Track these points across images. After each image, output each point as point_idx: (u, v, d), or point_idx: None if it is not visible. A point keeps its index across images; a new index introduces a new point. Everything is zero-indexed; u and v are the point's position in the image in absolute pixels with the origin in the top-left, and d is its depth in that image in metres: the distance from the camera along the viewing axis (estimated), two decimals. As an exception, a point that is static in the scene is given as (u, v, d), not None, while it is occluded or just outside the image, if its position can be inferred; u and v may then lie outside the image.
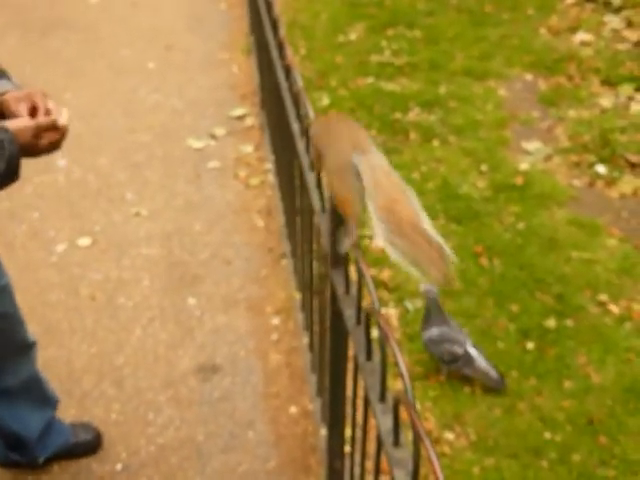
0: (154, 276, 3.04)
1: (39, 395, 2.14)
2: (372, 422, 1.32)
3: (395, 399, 1.14)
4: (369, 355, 1.38)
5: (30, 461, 2.21)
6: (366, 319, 1.37)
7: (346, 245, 1.42)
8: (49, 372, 2.22)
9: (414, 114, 4.10)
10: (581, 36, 4.92)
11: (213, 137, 3.99)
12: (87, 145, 3.92)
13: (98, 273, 3.05)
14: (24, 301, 2.00)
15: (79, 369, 2.60)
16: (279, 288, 2.97)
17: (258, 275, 3.05)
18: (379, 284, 2.88)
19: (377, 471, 1.35)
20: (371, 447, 1.43)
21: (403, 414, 1.14)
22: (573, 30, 5.02)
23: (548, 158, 3.76)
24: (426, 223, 1.24)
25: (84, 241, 3.23)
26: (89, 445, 2.30)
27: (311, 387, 2.39)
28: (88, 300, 2.91)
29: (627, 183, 3.52)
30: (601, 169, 3.63)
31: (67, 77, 4.57)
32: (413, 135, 3.91)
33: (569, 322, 2.75)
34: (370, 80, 4.46)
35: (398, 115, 4.07)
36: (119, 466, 2.28)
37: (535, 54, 4.73)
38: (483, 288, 2.90)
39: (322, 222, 1.80)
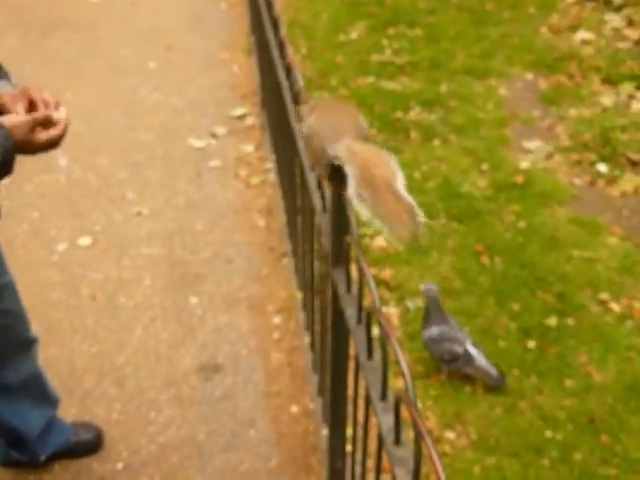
0: (155, 275, 3.04)
1: (40, 392, 2.15)
2: (373, 421, 1.32)
3: (396, 398, 1.14)
4: (370, 354, 1.38)
5: (31, 459, 2.22)
6: (367, 318, 1.37)
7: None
8: (50, 371, 2.22)
9: (415, 113, 4.10)
10: (582, 35, 4.92)
11: (214, 136, 3.99)
12: (88, 145, 3.92)
13: (99, 273, 3.05)
14: (25, 300, 2.00)
15: (80, 368, 2.61)
16: (280, 287, 2.97)
17: (259, 274, 3.05)
18: (380, 283, 2.88)
19: (378, 470, 1.35)
20: (372, 446, 1.43)
21: (404, 413, 1.14)
22: (574, 29, 5.02)
23: (549, 157, 3.75)
24: (400, 185, 1.25)
25: (85, 240, 3.23)
26: (90, 444, 2.30)
27: (312, 386, 2.39)
28: (89, 299, 2.91)
29: (628, 181, 3.52)
30: (602, 168, 3.63)
31: (67, 77, 4.57)
32: (414, 134, 3.90)
33: (570, 321, 2.75)
34: (371, 79, 4.46)
35: (399, 114, 4.07)
36: (120, 465, 2.28)
37: (536, 53, 4.73)
38: (484, 287, 2.90)
39: (323, 221, 1.80)
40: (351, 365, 1.64)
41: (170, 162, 3.79)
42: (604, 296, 2.86)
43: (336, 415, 1.93)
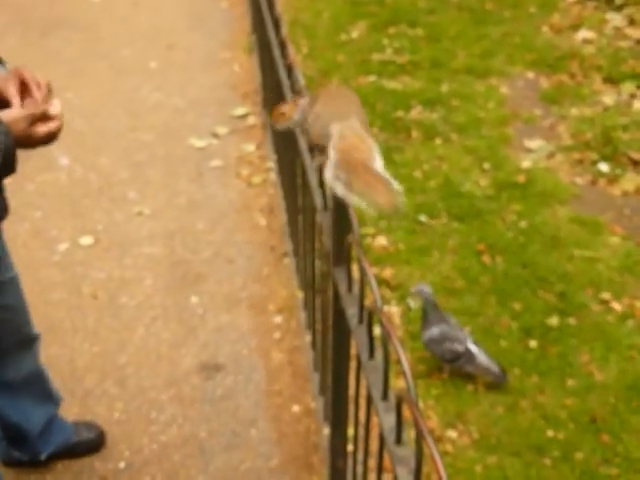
0: (156, 275, 3.04)
1: (41, 390, 2.15)
2: (374, 420, 1.32)
3: (398, 397, 1.14)
4: (371, 353, 1.38)
5: (32, 457, 2.22)
6: (368, 317, 1.37)
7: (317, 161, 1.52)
8: (51, 371, 2.22)
9: (416, 112, 4.10)
10: (583, 34, 4.91)
11: (215, 136, 3.99)
12: (89, 144, 3.92)
13: (100, 272, 3.06)
14: (26, 300, 2.01)
15: (81, 368, 2.61)
16: (281, 287, 2.97)
17: (260, 274, 3.05)
18: (381, 282, 2.88)
19: (380, 469, 1.35)
20: (374, 445, 1.44)
21: (405, 412, 1.14)
22: (575, 28, 5.01)
23: (550, 156, 3.75)
24: (378, 165, 1.34)
25: (86, 240, 3.23)
26: (92, 443, 2.30)
27: (313, 385, 2.39)
28: (90, 299, 2.92)
29: (629, 181, 3.52)
30: (603, 167, 3.63)
31: (68, 77, 4.58)
32: (415, 133, 3.90)
33: (572, 320, 2.75)
34: (372, 78, 4.46)
35: (400, 113, 4.07)
36: (122, 464, 2.28)
37: (537, 52, 4.73)
38: (485, 286, 2.90)
39: (324, 220, 1.80)
40: (352, 364, 1.64)
41: (171, 162, 3.79)
42: (605, 295, 2.86)
43: (337, 414, 1.93)
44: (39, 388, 2.14)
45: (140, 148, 3.90)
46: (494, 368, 2.46)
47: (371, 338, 1.38)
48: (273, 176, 3.55)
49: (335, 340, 1.78)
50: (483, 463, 2.26)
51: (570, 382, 2.51)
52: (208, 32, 5.26)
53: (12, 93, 1.47)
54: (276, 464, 2.28)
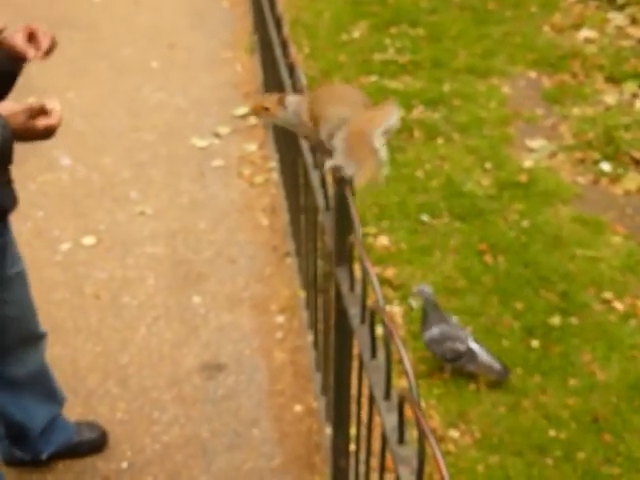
0: (159, 275, 3.05)
1: (45, 389, 2.15)
2: (377, 420, 1.33)
3: (400, 397, 1.14)
4: (374, 353, 1.38)
5: (33, 457, 2.22)
6: (371, 317, 1.37)
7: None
8: (54, 370, 2.22)
9: (418, 112, 4.10)
10: (585, 33, 4.91)
11: (217, 136, 4.00)
12: (91, 144, 3.93)
13: (103, 272, 3.06)
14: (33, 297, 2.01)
15: (84, 368, 2.61)
16: (283, 286, 2.97)
17: (262, 273, 3.05)
18: (383, 282, 2.88)
19: (382, 469, 1.35)
20: (376, 445, 1.43)
21: (408, 412, 1.14)
22: (577, 27, 5.01)
23: (552, 155, 3.75)
24: (378, 143, 1.48)
25: (89, 240, 3.24)
26: (94, 443, 2.30)
27: (316, 385, 2.39)
28: (93, 299, 2.92)
29: (631, 180, 3.51)
30: (605, 166, 3.63)
31: (70, 76, 4.58)
32: (417, 133, 3.90)
33: (574, 320, 2.75)
34: (373, 78, 4.46)
35: (402, 113, 4.06)
36: (124, 464, 2.28)
37: (539, 51, 4.72)
38: (487, 286, 2.90)
39: (326, 220, 1.80)
40: (355, 364, 1.64)
41: (173, 162, 3.79)
42: (607, 295, 2.86)
43: (340, 414, 1.93)
44: (43, 387, 2.14)
45: (142, 148, 3.90)
46: (496, 365, 2.46)
47: (373, 338, 1.38)
48: (275, 176, 3.55)
49: (337, 340, 1.78)
50: (485, 463, 2.25)
51: (572, 382, 2.51)
52: (209, 31, 5.26)
53: (18, 42, 1.51)
54: (278, 464, 2.28)
